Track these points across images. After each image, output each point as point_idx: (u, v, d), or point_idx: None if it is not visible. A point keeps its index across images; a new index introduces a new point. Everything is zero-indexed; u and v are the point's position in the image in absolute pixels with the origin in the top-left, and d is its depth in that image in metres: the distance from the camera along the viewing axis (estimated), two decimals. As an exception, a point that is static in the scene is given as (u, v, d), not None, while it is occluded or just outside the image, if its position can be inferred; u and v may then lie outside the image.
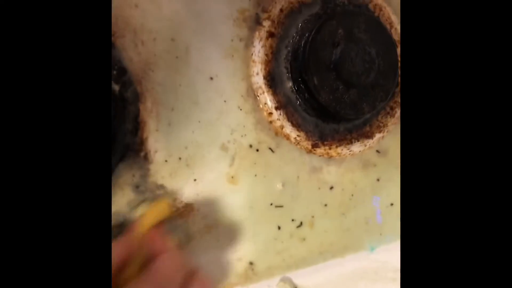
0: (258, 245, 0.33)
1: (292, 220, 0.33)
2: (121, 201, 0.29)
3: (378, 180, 0.36)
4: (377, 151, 0.35)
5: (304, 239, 0.34)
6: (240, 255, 0.32)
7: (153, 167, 0.30)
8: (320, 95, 0.31)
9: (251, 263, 0.32)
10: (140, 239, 0.26)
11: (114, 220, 0.29)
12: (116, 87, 0.28)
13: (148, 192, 0.30)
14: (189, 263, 0.25)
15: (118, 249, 0.25)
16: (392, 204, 0.36)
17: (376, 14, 0.34)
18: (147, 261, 0.24)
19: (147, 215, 0.28)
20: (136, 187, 0.29)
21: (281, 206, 0.33)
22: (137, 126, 0.29)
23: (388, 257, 0.36)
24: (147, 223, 0.27)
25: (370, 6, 0.34)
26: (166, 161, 0.30)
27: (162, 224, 0.28)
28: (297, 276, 0.34)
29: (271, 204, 0.33)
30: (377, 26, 0.32)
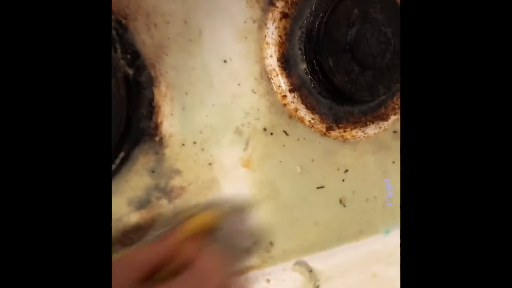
0: (275, 228, 0.33)
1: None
2: (137, 186, 0.29)
3: (393, 162, 0.35)
4: (394, 131, 0.35)
5: (319, 223, 0.34)
6: (255, 238, 0.32)
7: (168, 152, 0.29)
8: (335, 77, 0.30)
9: (271, 243, 0.33)
10: (178, 243, 0.26)
11: (132, 205, 0.29)
12: (130, 71, 0.28)
13: (164, 176, 0.30)
14: (227, 270, 0.25)
15: (155, 250, 0.25)
16: (407, 187, 0.36)
17: (391, -7, 0.33)
18: (183, 266, 0.24)
19: (190, 222, 0.28)
20: (152, 171, 0.29)
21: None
22: (152, 111, 0.29)
23: (403, 240, 0.36)
24: (188, 230, 0.27)
25: (385, -15, 0.33)
26: (181, 145, 0.30)
27: (203, 234, 0.28)
28: (312, 260, 0.34)
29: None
30: (393, 6, 0.32)
